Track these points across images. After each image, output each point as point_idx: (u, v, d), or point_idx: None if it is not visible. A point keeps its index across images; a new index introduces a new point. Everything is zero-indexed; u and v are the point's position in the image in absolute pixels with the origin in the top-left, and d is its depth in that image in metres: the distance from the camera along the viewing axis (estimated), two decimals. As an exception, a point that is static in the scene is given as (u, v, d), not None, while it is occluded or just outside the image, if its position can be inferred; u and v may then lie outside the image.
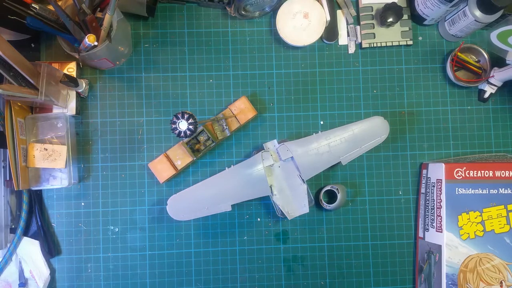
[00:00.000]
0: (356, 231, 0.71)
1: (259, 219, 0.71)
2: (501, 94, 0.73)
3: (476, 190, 0.65)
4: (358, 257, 0.71)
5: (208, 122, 0.67)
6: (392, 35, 0.72)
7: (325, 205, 0.69)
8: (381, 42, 0.72)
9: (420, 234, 0.70)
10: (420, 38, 0.73)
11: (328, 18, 0.71)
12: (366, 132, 0.66)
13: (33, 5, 0.58)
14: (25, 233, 0.68)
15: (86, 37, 0.58)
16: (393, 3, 0.69)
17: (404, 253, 0.71)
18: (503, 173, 0.66)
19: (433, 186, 0.67)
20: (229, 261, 0.70)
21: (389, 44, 0.72)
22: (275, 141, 0.67)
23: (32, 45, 0.70)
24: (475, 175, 0.65)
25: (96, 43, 0.59)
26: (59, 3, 0.60)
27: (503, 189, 0.65)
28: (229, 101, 0.71)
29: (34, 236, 0.68)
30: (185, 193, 0.65)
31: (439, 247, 0.65)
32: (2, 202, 0.65)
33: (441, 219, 0.65)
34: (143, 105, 0.71)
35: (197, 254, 0.70)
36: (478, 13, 0.64)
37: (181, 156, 0.68)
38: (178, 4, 0.72)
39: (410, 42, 0.72)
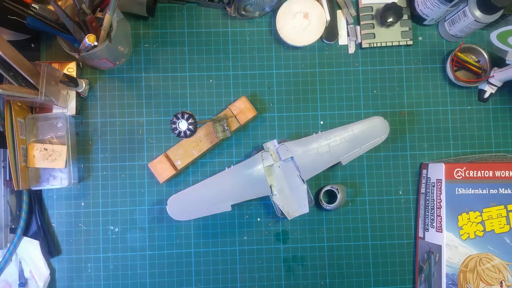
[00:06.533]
0: (356, 231, 0.71)
1: (259, 219, 0.71)
2: (501, 94, 0.73)
3: (476, 190, 0.65)
4: (358, 257, 0.71)
5: (209, 122, 0.67)
6: (392, 35, 0.72)
7: (325, 205, 0.69)
8: (381, 42, 0.72)
9: (420, 234, 0.70)
10: (420, 38, 0.74)
11: (328, 18, 0.71)
12: (366, 132, 0.66)
13: (33, 5, 0.58)
14: (25, 233, 0.68)
15: (86, 37, 0.58)
16: (393, 3, 0.69)
17: (404, 253, 0.71)
18: (503, 173, 0.66)
19: (433, 186, 0.67)
20: (229, 261, 0.70)
21: (389, 44, 0.72)
22: (275, 141, 0.67)
23: (32, 45, 0.70)
24: (475, 175, 0.65)
25: (96, 43, 0.59)
26: (59, 3, 0.60)
27: (503, 189, 0.65)
28: (229, 101, 0.71)
29: (34, 236, 0.68)
30: (185, 193, 0.65)
31: (439, 247, 0.65)
32: (2, 202, 0.65)
33: (441, 219, 0.65)
34: (143, 105, 0.71)
35: (197, 254, 0.70)
36: (478, 13, 0.64)
37: (181, 156, 0.68)
38: (178, 4, 0.72)
39: (410, 42, 0.72)
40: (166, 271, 0.70)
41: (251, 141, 0.71)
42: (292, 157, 0.65)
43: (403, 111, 0.73)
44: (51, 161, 0.65)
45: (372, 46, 0.72)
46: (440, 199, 0.66)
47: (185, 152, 0.68)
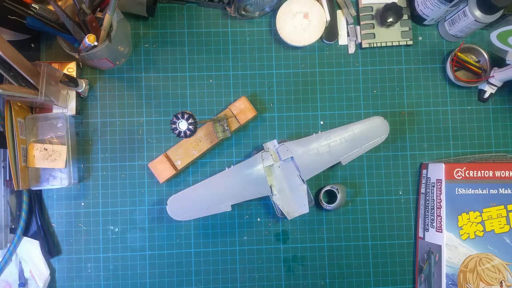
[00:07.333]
0: (356, 231, 0.71)
1: (259, 219, 0.71)
2: (501, 94, 0.73)
3: (476, 190, 0.65)
4: (358, 257, 0.71)
5: (209, 122, 0.67)
6: (392, 35, 0.72)
7: (325, 205, 0.69)
8: (381, 42, 0.72)
9: (420, 234, 0.70)
10: (420, 38, 0.74)
11: (328, 18, 0.71)
12: (366, 132, 0.66)
13: (33, 5, 0.58)
14: (25, 233, 0.68)
15: (86, 37, 0.58)
16: (393, 3, 0.69)
17: (404, 253, 0.71)
18: (503, 173, 0.66)
19: (433, 186, 0.67)
20: (229, 261, 0.70)
21: (389, 44, 0.72)
22: (275, 141, 0.67)
23: (32, 45, 0.70)
24: (475, 175, 0.65)
25: (96, 43, 0.59)
26: (59, 3, 0.60)
27: (503, 189, 0.65)
28: (229, 101, 0.71)
29: (34, 236, 0.68)
30: (185, 193, 0.65)
31: (439, 247, 0.65)
32: (2, 202, 0.65)
33: (441, 219, 0.65)
34: (143, 105, 0.71)
35: (197, 254, 0.70)
36: (478, 13, 0.64)
37: (181, 156, 0.68)
38: (178, 4, 0.72)
39: (410, 42, 0.72)
40: (166, 271, 0.70)
41: (251, 141, 0.71)
42: (292, 157, 0.65)
43: (403, 111, 0.73)
44: (51, 161, 0.65)
45: (372, 46, 0.72)
46: (440, 199, 0.66)
47: (185, 152, 0.68)
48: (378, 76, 0.73)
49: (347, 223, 0.71)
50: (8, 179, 0.66)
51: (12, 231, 0.68)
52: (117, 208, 0.70)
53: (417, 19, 0.72)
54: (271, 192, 0.65)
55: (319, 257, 0.71)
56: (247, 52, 0.72)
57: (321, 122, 0.72)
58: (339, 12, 0.73)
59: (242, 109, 0.68)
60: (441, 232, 0.65)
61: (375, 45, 0.72)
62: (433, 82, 0.73)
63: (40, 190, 0.69)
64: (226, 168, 0.66)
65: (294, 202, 0.65)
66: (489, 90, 0.71)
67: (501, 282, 0.64)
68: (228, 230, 0.70)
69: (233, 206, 0.65)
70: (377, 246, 0.71)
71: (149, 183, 0.70)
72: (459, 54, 0.70)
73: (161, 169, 0.68)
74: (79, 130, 0.70)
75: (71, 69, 0.68)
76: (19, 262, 0.68)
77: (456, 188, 0.65)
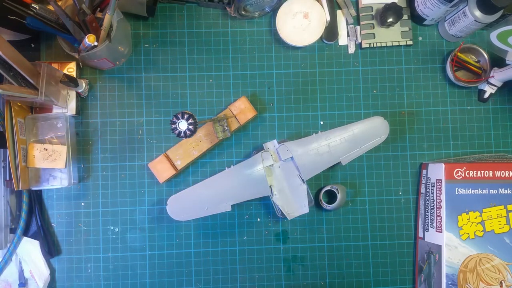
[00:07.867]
0: (356, 231, 0.71)
1: (259, 219, 0.71)
2: (501, 94, 0.73)
3: (476, 190, 0.65)
4: (358, 257, 0.71)
5: (209, 122, 0.67)
6: (392, 35, 0.72)
7: (325, 205, 0.69)
8: (381, 42, 0.72)
9: (420, 234, 0.70)
10: (420, 38, 0.74)
11: (328, 18, 0.71)
12: (366, 132, 0.66)
13: (33, 5, 0.58)
14: (25, 233, 0.68)
15: (86, 37, 0.58)
16: (393, 3, 0.69)
17: (404, 253, 0.71)
18: (503, 173, 0.66)
19: (433, 186, 0.67)
20: (229, 261, 0.70)
21: (389, 44, 0.72)
22: (275, 141, 0.67)
23: (32, 45, 0.70)
24: (475, 175, 0.65)
25: (96, 43, 0.59)
26: (59, 3, 0.60)
27: (503, 189, 0.65)
28: (229, 101, 0.71)
29: (34, 236, 0.68)
30: (185, 193, 0.65)
31: (439, 247, 0.65)
32: (2, 202, 0.65)
33: (441, 219, 0.65)
34: (143, 105, 0.71)
35: (197, 254, 0.70)
36: (478, 13, 0.64)
37: (181, 156, 0.68)
38: (178, 4, 0.72)
39: (410, 42, 0.72)
40: (166, 271, 0.70)
41: (251, 141, 0.71)
42: (292, 157, 0.65)
43: (403, 111, 0.73)
44: (51, 161, 0.65)
45: (372, 46, 0.72)
46: (440, 199, 0.66)
47: (185, 152, 0.68)
48: (378, 76, 0.73)
49: (347, 223, 0.71)
50: (8, 179, 0.66)
51: (12, 231, 0.68)
52: (117, 208, 0.70)
53: (417, 19, 0.72)
54: (271, 192, 0.65)
55: (319, 257, 0.71)
56: (247, 52, 0.72)
57: (321, 122, 0.72)
58: (339, 12, 0.73)
59: (242, 109, 0.68)
60: (441, 232, 0.65)
61: (375, 45, 0.72)
62: (433, 82, 0.73)
63: (40, 190, 0.69)
64: (226, 168, 0.66)
65: (294, 202, 0.65)
66: (489, 90, 0.71)
67: (501, 282, 0.64)
68: (228, 230, 0.71)
69: (233, 206, 0.65)
70: (377, 246, 0.71)
71: (149, 183, 0.70)
72: (459, 54, 0.70)
73: (161, 169, 0.68)
74: (79, 130, 0.70)
75: (71, 69, 0.68)
76: (19, 262, 0.68)
77: (456, 188, 0.65)
